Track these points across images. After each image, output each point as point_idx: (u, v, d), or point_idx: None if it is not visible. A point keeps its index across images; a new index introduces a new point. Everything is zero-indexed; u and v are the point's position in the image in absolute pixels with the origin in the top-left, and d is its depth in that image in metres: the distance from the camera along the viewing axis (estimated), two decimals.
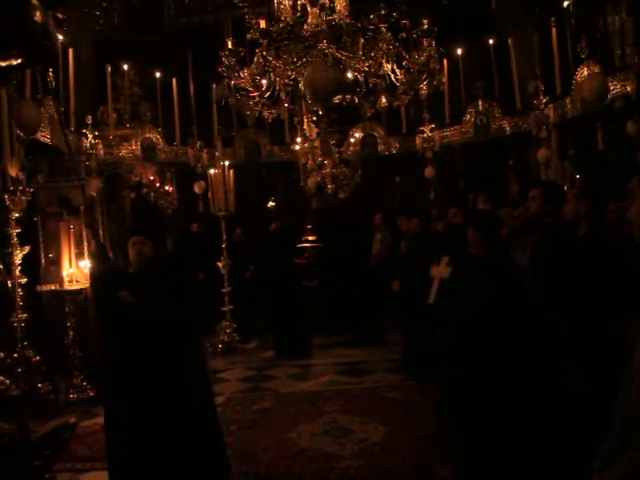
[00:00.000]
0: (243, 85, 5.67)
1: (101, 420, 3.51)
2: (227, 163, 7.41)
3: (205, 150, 8.42)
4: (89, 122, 6.89)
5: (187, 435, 3.20)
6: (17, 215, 4.93)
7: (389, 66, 5.46)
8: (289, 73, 5.44)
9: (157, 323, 3.18)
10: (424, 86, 5.48)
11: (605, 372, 2.71)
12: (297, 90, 5.63)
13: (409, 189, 9.03)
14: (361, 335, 7.45)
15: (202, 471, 3.26)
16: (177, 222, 8.65)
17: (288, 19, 5.38)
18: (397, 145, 9.15)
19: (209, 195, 7.46)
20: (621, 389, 1.89)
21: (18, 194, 4.88)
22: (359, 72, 5.48)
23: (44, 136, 6.06)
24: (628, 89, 5.64)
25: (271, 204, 9.31)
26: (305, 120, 6.88)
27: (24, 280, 4.98)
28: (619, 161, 5.90)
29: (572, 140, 6.93)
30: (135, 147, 8.18)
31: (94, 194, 5.92)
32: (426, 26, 5.35)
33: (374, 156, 9.15)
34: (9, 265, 4.87)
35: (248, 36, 5.61)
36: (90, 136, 6.92)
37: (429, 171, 8.44)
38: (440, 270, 4.95)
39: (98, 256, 3.43)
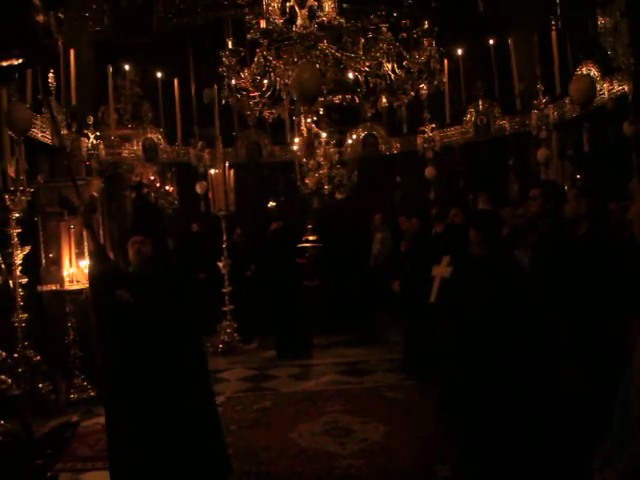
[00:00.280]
0: (244, 85, 5.68)
1: (102, 420, 3.51)
2: (227, 163, 7.42)
3: (207, 150, 8.43)
4: (90, 122, 6.90)
5: (188, 434, 3.20)
6: (17, 215, 4.94)
7: (389, 66, 5.47)
8: (289, 73, 5.45)
9: (156, 323, 3.18)
10: (424, 86, 5.49)
11: (605, 372, 2.71)
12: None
13: (410, 189, 9.04)
14: (362, 335, 7.45)
15: (203, 470, 3.26)
16: (178, 222, 8.66)
17: (278, 21, 5.39)
18: (398, 145, 9.15)
19: (209, 195, 7.46)
20: (621, 389, 1.89)
21: (18, 194, 4.88)
22: (359, 72, 5.50)
23: (44, 136, 6.08)
24: (626, 89, 5.64)
25: (272, 204, 9.31)
26: (302, 120, 6.90)
27: (25, 280, 4.99)
28: (611, 163, 5.92)
29: (571, 140, 6.94)
30: (137, 147, 8.19)
31: (95, 194, 5.91)
32: (426, 26, 5.36)
33: (375, 156, 9.16)
34: (10, 265, 4.88)
35: (248, 36, 5.62)
36: (91, 136, 6.93)
37: (429, 171, 8.44)
38: (441, 270, 4.96)
39: (96, 256, 3.41)
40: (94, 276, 3.36)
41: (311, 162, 7.13)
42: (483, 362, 3.22)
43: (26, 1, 2.97)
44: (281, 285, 7.08)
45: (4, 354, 4.48)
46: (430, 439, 4.15)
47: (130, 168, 7.78)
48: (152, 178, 7.96)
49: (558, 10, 6.78)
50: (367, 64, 5.39)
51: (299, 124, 7.12)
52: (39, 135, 5.96)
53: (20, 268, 4.94)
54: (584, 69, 6.28)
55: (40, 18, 3.67)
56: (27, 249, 5.05)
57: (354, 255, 8.00)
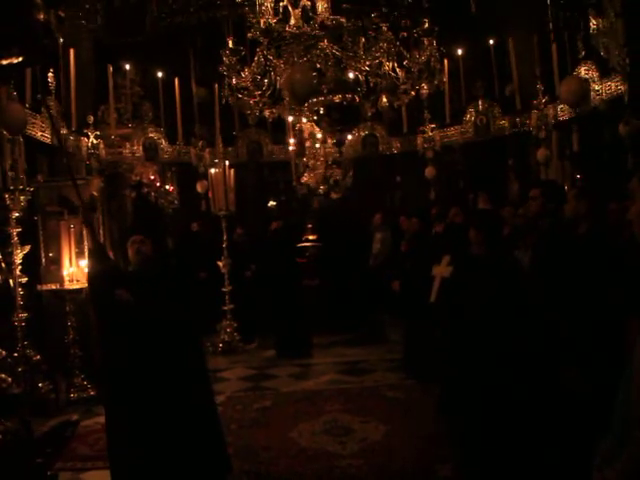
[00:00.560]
0: (244, 84, 5.68)
1: (102, 419, 3.51)
2: (227, 162, 7.41)
3: (207, 149, 8.42)
4: (90, 122, 6.90)
5: (188, 434, 3.20)
6: (17, 214, 4.93)
7: (389, 64, 5.47)
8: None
9: (156, 323, 3.18)
10: (425, 85, 5.49)
11: (605, 372, 2.71)
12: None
13: (410, 189, 9.04)
14: (362, 334, 7.46)
15: (203, 469, 3.26)
16: (178, 221, 8.65)
17: (271, 20, 5.39)
18: (398, 145, 9.16)
19: (210, 194, 7.46)
20: (621, 389, 1.89)
21: (16, 193, 4.87)
22: (360, 71, 5.50)
23: (44, 136, 6.07)
24: (622, 89, 5.64)
25: (272, 203, 9.31)
26: (298, 120, 6.89)
27: (24, 279, 4.98)
28: (608, 163, 5.92)
29: (569, 140, 6.94)
30: (137, 147, 8.19)
31: (95, 193, 5.91)
32: (427, 25, 5.35)
33: (375, 156, 9.16)
34: (9, 264, 4.87)
35: (249, 35, 5.62)
36: (91, 136, 6.92)
37: (429, 171, 8.44)
38: (441, 269, 4.96)
39: (96, 254, 3.40)
40: (93, 275, 3.35)
41: (311, 162, 7.12)
42: (483, 362, 3.22)
43: None
44: (281, 285, 7.08)
45: (4, 353, 4.48)
46: (430, 439, 4.15)
47: (130, 167, 7.77)
48: (152, 177, 7.96)
49: (549, 11, 6.79)
50: (367, 63, 5.39)
51: (293, 124, 7.12)
52: (38, 134, 5.95)
53: (20, 267, 4.93)
54: (582, 70, 6.29)
55: (40, 16, 3.66)
56: (27, 248, 5.05)
57: (354, 255, 8.00)
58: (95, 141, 6.95)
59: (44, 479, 3.10)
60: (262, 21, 5.41)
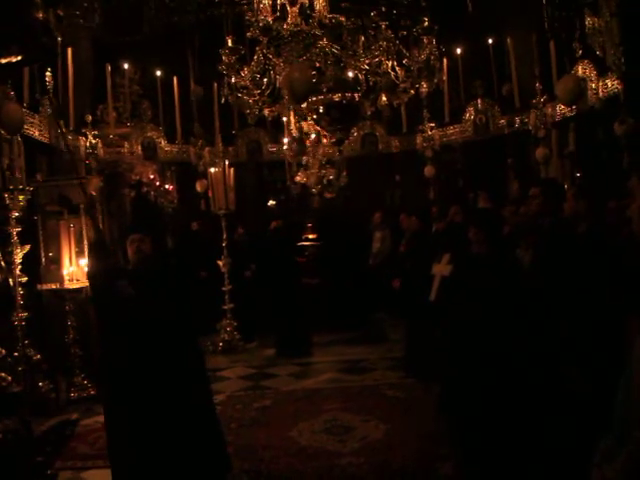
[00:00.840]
0: (243, 83, 5.68)
1: (102, 418, 3.51)
2: (227, 162, 7.41)
3: (207, 149, 8.42)
4: (88, 121, 6.88)
5: (187, 433, 3.20)
6: (17, 214, 4.93)
7: (389, 63, 5.47)
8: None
9: (156, 322, 3.18)
10: (425, 84, 5.49)
11: (605, 372, 2.71)
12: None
13: (409, 188, 9.04)
14: (362, 333, 7.46)
15: (203, 468, 3.26)
16: (178, 220, 8.65)
17: (268, 18, 5.39)
18: (397, 144, 9.15)
19: (209, 194, 7.46)
20: (620, 388, 1.89)
21: (15, 193, 4.85)
22: (359, 70, 5.49)
23: (42, 135, 6.06)
24: (618, 87, 5.65)
25: (271, 202, 9.31)
26: (292, 119, 6.89)
27: (24, 279, 4.98)
28: (606, 161, 5.93)
29: (567, 139, 6.95)
30: (135, 146, 8.18)
31: (94, 193, 5.90)
32: (426, 23, 5.35)
33: (374, 155, 9.16)
34: (9, 264, 4.87)
35: (248, 34, 5.61)
36: (90, 135, 6.91)
37: (429, 170, 8.44)
38: (441, 268, 4.96)
39: (97, 249, 3.38)
40: (95, 271, 3.34)
41: (310, 160, 7.12)
42: (483, 361, 3.22)
43: None
44: (281, 283, 7.08)
45: (4, 352, 4.48)
46: (430, 437, 4.15)
47: (130, 167, 7.77)
48: (152, 177, 7.95)
49: (545, 11, 6.80)
50: (367, 62, 5.38)
51: (288, 123, 7.11)
52: (36, 134, 5.94)
53: (20, 267, 4.92)
54: (579, 68, 6.30)
55: (39, 15, 3.66)
56: (27, 248, 5.04)
57: (354, 254, 8.01)
58: (93, 140, 6.94)
59: (44, 478, 3.11)
60: (260, 19, 5.40)
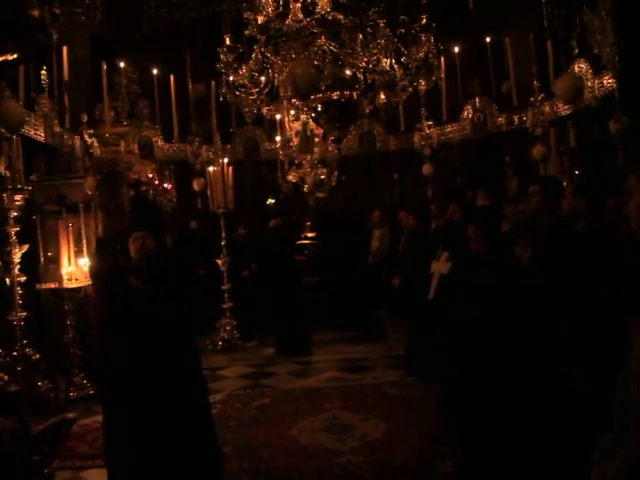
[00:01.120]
0: (241, 81, 5.66)
1: (101, 418, 3.50)
2: (226, 160, 7.40)
3: (204, 147, 8.40)
4: (84, 120, 6.86)
5: (185, 434, 3.19)
6: (16, 214, 4.91)
7: (387, 61, 5.46)
8: (287, 69, 5.43)
9: (160, 319, 3.17)
10: (423, 81, 5.48)
11: (604, 370, 2.71)
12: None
13: (407, 186, 9.04)
14: (362, 332, 7.46)
15: (199, 469, 3.25)
16: (176, 219, 8.64)
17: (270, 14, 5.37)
18: (395, 142, 9.15)
19: (208, 192, 7.45)
20: (619, 386, 1.89)
21: (8, 193, 4.83)
22: (357, 68, 5.48)
23: (37, 134, 6.03)
24: (614, 86, 5.65)
25: (270, 201, 9.30)
26: (286, 118, 6.87)
27: (23, 278, 4.97)
28: (604, 159, 5.94)
29: (566, 137, 6.95)
30: (132, 145, 8.16)
31: (89, 192, 5.88)
32: (424, 21, 5.35)
33: (372, 153, 9.15)
34: (8, 264, 4.86)
35: (246, 32, 5.59)
36: (85, 134, 6.88)
37: (427, 168, 8.43)
38: (440, 266, 4.96)
39: (102, 246, 3.38)
40: (101, 268, 3.32)
41: (306, 159, 7.10)
42: (482, 361, 3.22)
43: None
44: (280, 282, 7.08)
45: (1, 352, 4.47)
46: (431, 435, 4.15)
47: (128, 166, 7.75)
48: (151, 176, 7.94)
49: (545, 9, 6.80)
50: (365, 60, 5.38)
51: (281, 122, 7.10)
52: (32, 133, 5.91)
53: (18, 266, 4.92)
54: (576, 67, 6.30)
55: (35, 12, 3.65)
56: (25, 247, 5.03)
57: (353, 252, 8.00)
58: (89, 140, 6.92)
59: (41, 477, 3.10)
60: (260, 18, 5.39)
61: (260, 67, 5.60)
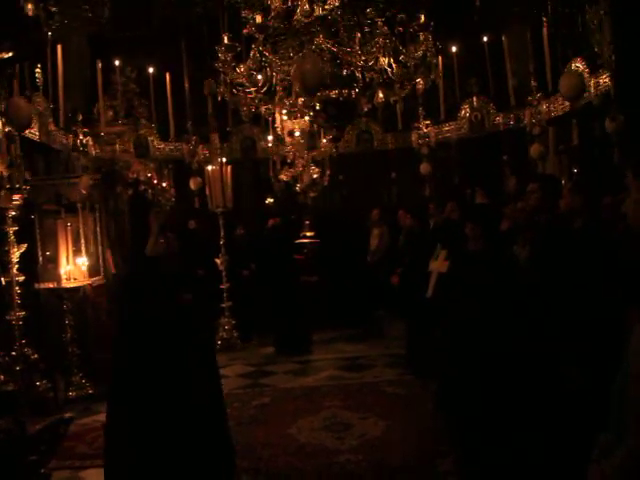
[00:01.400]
0: (239, 80, 5.66)
1: (100, 417, 3.51)
2: (224, 159, 7.39)
3: (200, 146, 8.39)
4: (79, 119, 6.83)
5: (191, 434, 3.18)
6: (14, 213, 4.91)
7: (385, 60, 5.45)
8: (286, 68, 5.43)
9: (169, 322, 3.16)
10: (421, 80, 5.48)
11: (602, 368, 2.71)
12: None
13: (404, 185, 9.05)
14: (361, 330, 7.47)
15: (207, 469, 3.25)
16: (175, 219, 8.62)
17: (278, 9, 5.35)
18: (393, 141, 9.15)
19: (206, 192, 7.44)
20: (617, 383, 1.90)
21: (4, 191, 4.81)
22: (355, 67, 5.48)
23: (32, 133, 6.01)
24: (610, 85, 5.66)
25: (269, 200, 9.29)
26: (278, 116, 6.86)
27: (22, 278, 4.96)
28: (602, 157, 5.96)
29: (565, 135, 6.96)
30: (128, 144, 8.14)
31: (84, 191, 5.86)
32: (423, 19, 5.34)
33: (370, 152, 9.15)
34: (6, 263, 4.85)
35: (244, 31, 5.59)
36: (80, 133, 6.86)
37: (424, 167, 8.44)
38: (438, 264, 4.97)
39: (138, 254, 3.36)
40: (144, 279, 3.29)
41: (299, 159, 7.09)
42: (481, 359, 3.22)
43: None
44: (280, 281, 7.08)
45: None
46: (430, 433, 4.16)
47: (126, 165, 7.73)
48: (149, 175, 7.92)
49: (549, 7, 6.82)
50: (363, 58, 5.37)
51: (273, 120, 7.08)
52: (26, 131, 5.89)
53: (17, 266, 4.91)
54: (573, 65, 6.32)
55: (30, 10, 3.64)
56: (24, 247, 5.02)
57: (352, 251, 8.01)
58: (84, 139, 6.89)
59: (38, 477, 3.09)
60: (258, 17, 5.38)
61: (258, 66, 5.59)
